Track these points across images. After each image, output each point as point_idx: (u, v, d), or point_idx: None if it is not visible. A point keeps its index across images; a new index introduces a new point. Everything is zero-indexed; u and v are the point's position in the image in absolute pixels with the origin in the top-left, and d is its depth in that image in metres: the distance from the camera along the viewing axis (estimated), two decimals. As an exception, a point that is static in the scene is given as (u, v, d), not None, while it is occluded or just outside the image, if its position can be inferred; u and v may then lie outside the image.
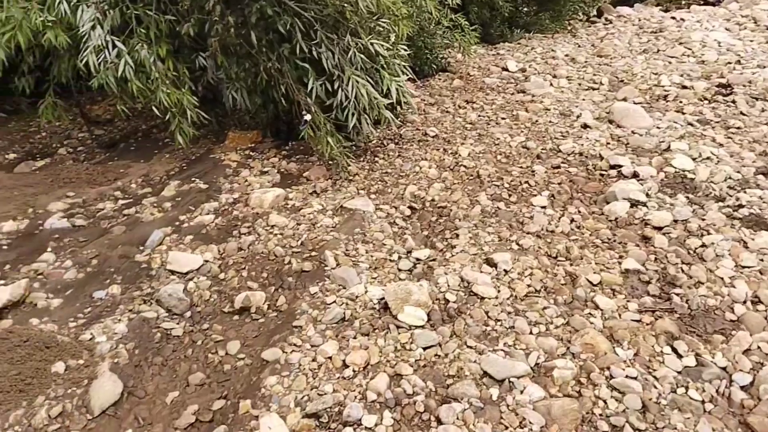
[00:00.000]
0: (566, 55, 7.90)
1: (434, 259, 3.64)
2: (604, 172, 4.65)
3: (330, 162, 4.68)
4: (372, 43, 4.41)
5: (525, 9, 9.20)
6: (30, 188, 4.41)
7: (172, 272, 3.39)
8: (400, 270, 3.53)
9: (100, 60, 4.20)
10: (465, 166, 4.78)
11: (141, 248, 3.62)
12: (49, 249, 3.64)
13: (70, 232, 3.83)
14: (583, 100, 6.25)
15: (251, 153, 5.08)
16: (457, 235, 3.86)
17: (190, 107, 4.55)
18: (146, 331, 2.93)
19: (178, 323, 3.02)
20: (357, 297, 3.20)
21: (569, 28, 9.48)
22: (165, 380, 2.68)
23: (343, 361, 2.75)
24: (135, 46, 4.33)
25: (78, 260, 3.47)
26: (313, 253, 3.62)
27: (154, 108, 4.53)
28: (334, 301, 3.18)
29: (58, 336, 2.80)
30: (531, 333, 2.98)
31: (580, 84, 6.78)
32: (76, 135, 5.55)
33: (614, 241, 3.80)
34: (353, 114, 4.50)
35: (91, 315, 3.03)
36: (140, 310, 3.07)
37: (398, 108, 5.15)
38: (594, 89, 6.58)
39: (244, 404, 2.48)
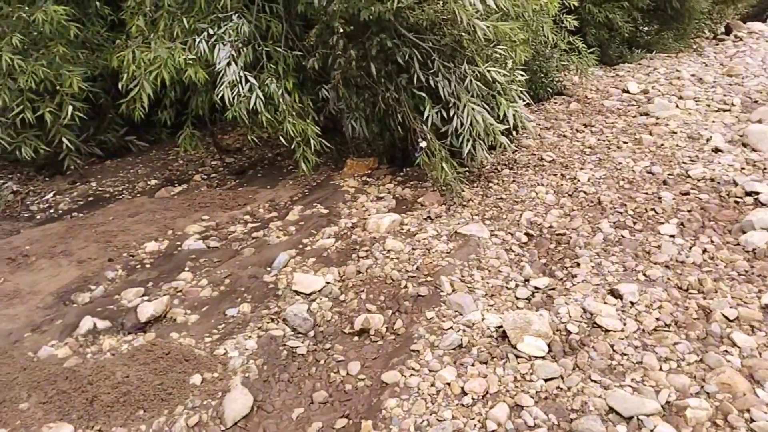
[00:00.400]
0: (692, 75, 7.48)
1: (554, 288, 3.55)
2: (739, 200, 4.33)
3: (444, 188, 4.73)
4: (489, 70, 4.44)
5: (645, 28, 8.84)
6: (169, 212, 4.81)
7: (297, 293, 3.55)
8: (517, 298, 3.47)
9: (234, 94, 4.55)
10: (585, 192, 4.64)
11: (268, 269, 3.83)
12: (186, 268, 3.94)
13: (205, 253, 4.13)
14: (713, 122, 5.88)
15: (368, 179, 5.25)
16: (578, 264, 3.75)
17: (313, 136, 4.80)
18: (274, 349, 3.09)
19: (302, 342, 3.16)
20: (474, 324, 3.18)
21: (695, 46, 8.99)
22: (291, 396, 2.80)
23: (462, 388, 2.74)
24: (265, 80, 4.66)
25: (212, 279, 3.74)
26: (429, 278, 3.66)
27: (281, 137, 4.83)
28: (451, 327, 3.18)
29: (196, 350, 3.03)
30: (661, 369, 2.82)
31: (708, 105, 6.38)
32: (210, 163, 6.00)
33: (752, 273, 3.52)
34: (468, 140, 4.53)
35: (225, 331, 3.25)
36: (268, 328, 3.24)
37: (513, 133, 5.12)
38: (725, 111, 6.17)
39: (365, 425, 2.54)
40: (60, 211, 5.19)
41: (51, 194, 5.53)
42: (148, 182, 5.67)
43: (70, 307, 3.59)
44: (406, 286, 3.57)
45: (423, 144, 4.64)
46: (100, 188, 5.61)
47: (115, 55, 4.75)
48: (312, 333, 3.25)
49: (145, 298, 3.58)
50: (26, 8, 5.06)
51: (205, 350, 3.06)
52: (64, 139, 5.26)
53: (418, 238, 4.13)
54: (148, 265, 4.06)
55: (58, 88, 5.12)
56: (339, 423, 2.62)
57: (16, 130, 5.29)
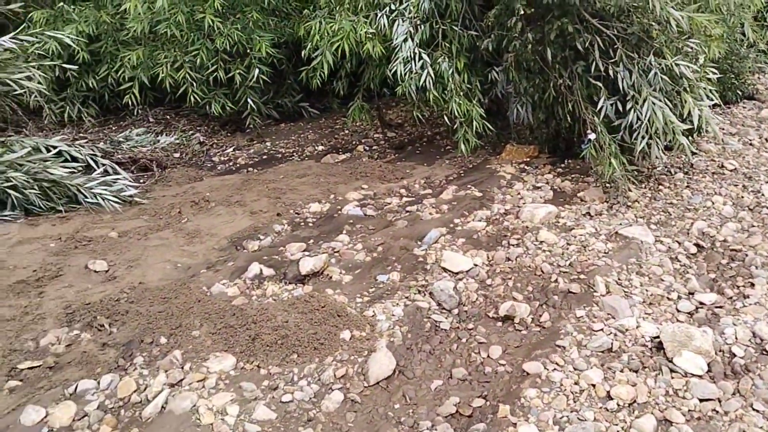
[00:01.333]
0: None
1: (721, 306, 3.28)
2: None
3: (609, 185, 4.51)
4: (677, 64, 4.12)
5: None
6: (333, 177, 5.09)
7: (445, 270, 3.62)
8: (678, 311, 3.25)
9: (406, 70, 4.68)
10: (769, 208, 4.19)
11: (419, 243, 3.93)
12: (344, 231, 4.16)
13: (362, 220, 4.33)
14: None
15: (526, 167, 5.14)
16: (752, 284, 3.42)
17: (477, 118, 4.81)
18: (418, 319, 3.18)
19: (446, 318, 3.22)
20: (627, 330, 3.03)
21: None
22: (431, 367, 2.88)
23: (608, 392, 2.64)
24: (437, 58, 4.73)
25: (367, 245, 3.91)
26: (582, 276, 3.53)
27: (444, 116, 4.89)
28: (602, 329, 3.06)
29: (348, 308, 3.21)
30: (842, 413, 2.51)
31: None
32: (372, 135, 6.24)
33: None
34: (643, 137, 4.26)
35: (375, 295, 3.40)
36: (415, 298, 3.34)
37: (694, 135, 4.73)
38: None
39: (503, 408, 2.55)
40: (237, 165, 5.69)
41: (231, 149, 6.09)
42: (316, 147, 6.02)
43: (241, 252, 3.95)
44: (556, 281, 3.48)
45: (592, 136, 4.45)
46: (273, 148, 6.07)
47: (303, 24, 5.07)
48: (456, 311, 3.29)
49: (306, 253, 3.84)
50: (229, -26, 5.54)
51: (356, 309, 3.23)
52: (249, 100, 5.76)
53: (574, 233, 4.00)
54: (310, 224, 4.34)
55: (248, 51, 5.60)
56: (476, 402, 2.65)
57: (209, 87, 5.87)
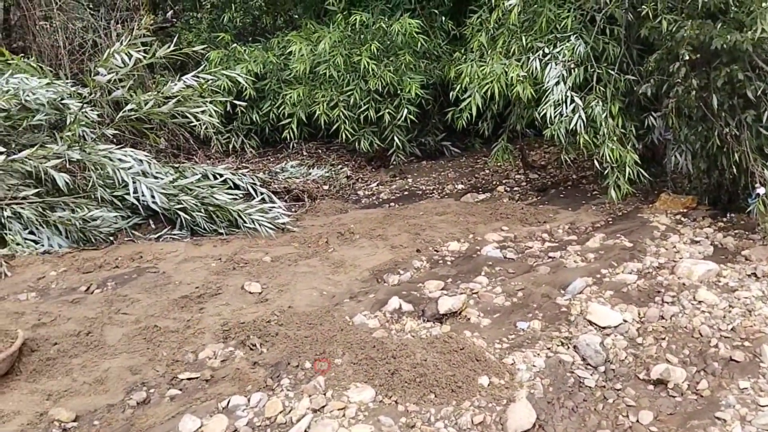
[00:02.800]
0: None
1: None
2: None
3: (779, 244, 4.09)
4: None
5: None
6: (472, 217, 5.10)
7: (591, 323, 3.46)
8: None
9: (556, 113, 4.61)
10: None
11: (562, 292, 3.80)
12: (482, 273, 4.14)
13: (501, 262, 4.28)
14: None
15: (682, 218, 4.82)
16: None
17: (630, 164, 4.61)
18: (561, 373, 3.06)
19: (591, 374, 3.07)
20: (801, 410, 2.71)
21: None
22: (574, 426, 2.75)
23: (779, 479, 2.36)
24: (590, 102, 4.61)
25: (506, 289, 3.86)
26: (746, 344, 3.21)
27: (595, 161, 4.73)
28: (770, 406, 2.76)
29: (486, 353, 3.17)
30: None
31: None
32: (513, 176, 6.19)
33: None
34: (823, 195, 3.84)
35: (514, 342, 3.33)
36: (557, 350, 3.22)
37: None
38: None
39: (654, 482, 2.37)
40: (380, 199, 5.90)
41: (375, 183, 6.33)
42: (456, 186, 6.08)
43: (382, 285, 4.06)
44: (716, 346, 3.19)
45: (761, 190, 4.09)
46: (414, 185, 6.22)
47: (454, 66, 5.20)
48: (602, 368, 3.13)
49: (444, 292, 3.86)
50: (386, 20, 5.85)
51: (495, 355, 3.18)
52: (395, 138, 5.97)
53: (737, 295, 3.65)
54: (449, 262, 4.37)
55: (398, 92, 5.83)
56: (624, 470, 2.49)
57: (359, 124, 6.18)
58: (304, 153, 7.07)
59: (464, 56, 5.33)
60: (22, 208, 4.70)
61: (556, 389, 2.96)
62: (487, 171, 6.44)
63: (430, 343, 3.23)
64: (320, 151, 7.15)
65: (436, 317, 3.58)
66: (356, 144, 6.22)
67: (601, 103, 4.62)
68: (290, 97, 6.07)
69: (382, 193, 6.05)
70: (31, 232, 4.75)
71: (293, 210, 5.56)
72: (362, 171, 6.71)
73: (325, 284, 4.09)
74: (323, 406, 2.87)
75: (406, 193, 6.03)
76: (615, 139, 4.60)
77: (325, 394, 2.95)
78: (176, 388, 3.07)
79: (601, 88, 4.71)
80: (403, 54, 5.76)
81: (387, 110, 5.83)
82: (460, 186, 6.12)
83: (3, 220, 4.68)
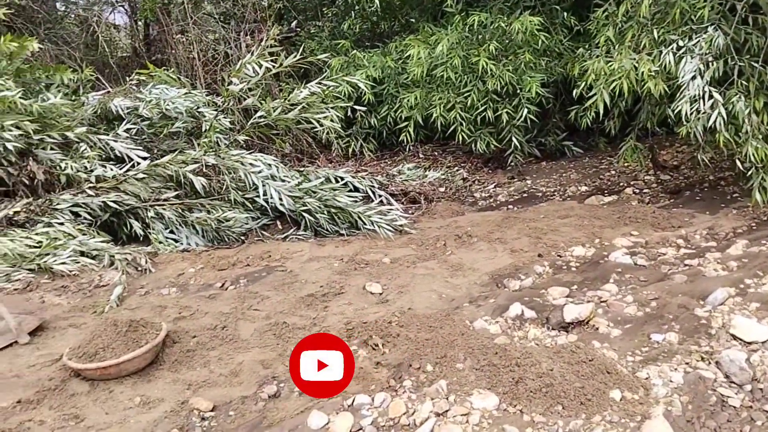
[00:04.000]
0: None
1: None
2: None
3: None
4: None
5: None
6: (598, 220, 4.87)
7: (734, 337, 3.18)
8: None
9: (692, 109, 4.29)
10: None
11: (701, 303, 3.52)
12: (611, 280, 3.94)
13: (632, 269, 4.05)
14: None
15: None
16: None
17: (779, 164, 4.19)
18: (701, 390, 2.84)
19: (736, 393, 2.82)
20: None
21: None
22: (718, 449, 2.54)
23: None
24: (731, 97, 4.25)
25: (638, 298, 3.64)
26: None
27: (736, 161, 4.36)
28: None
29: (618, 365, 3.01)
30: None
31: None
32: (642, 177, 5.83)
33: None
34: None
35: (648, 355, 3.13)
36: (697, 366, 2.99)
37: None
38: None
39: None
40: (498, 202, 5.80)
41: (492, 185, 6.23)
42: (579, 188, 5.84)
43: (502, 290, 3.99)
44: None
45: None
46: (533, 186, 6.05)
47: (578, 63, 4.99)
48: (749, 387, 2.86)
49: (570, 299, 3.72)
50: (505, 18, 5.74)
51: (627, 368, 3.01)
52: (513, 138, 5.85)
53: None
54: (573, 268, 4.21)
55: (518, 91, 5.70)
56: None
57: (476, 126, 6.11)
58: (421, 155, 7.11)
59: (588, 52, 5.10)
60: (164, 209, 5.12)
61: (696, 407, 2.75)
62: (613, 172, 6.13)
63: (556, 353, 3.12)
64: (436, 153, 7.16)
65: (562, 326, 3.46)
66: (473, 145, 6.15)
67: (743, 98, 4.24)
68: (407, 100, 6.13)
69: (500, 195, 5.94)
70: (172, 232, 5.17)
71: (410, 212, 5.61)
72: (479, 173, 6.63)
73: (444, 287, 4.09)
74: (446, 411, 2.86)
75: (525, 195, 5.88)
76: (760, 137, 4.20)
77: (447, 399, 2.94)
78: (305, 384, 3.20)
79: (744, 82, 4.31)
80: (523, 52, 5.62)
81: (505, 110, 5.71)
82: (583, 188, 5.87)
83: (147, 220, 5.12)
